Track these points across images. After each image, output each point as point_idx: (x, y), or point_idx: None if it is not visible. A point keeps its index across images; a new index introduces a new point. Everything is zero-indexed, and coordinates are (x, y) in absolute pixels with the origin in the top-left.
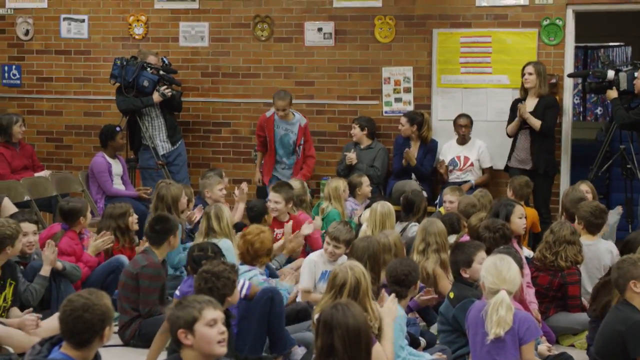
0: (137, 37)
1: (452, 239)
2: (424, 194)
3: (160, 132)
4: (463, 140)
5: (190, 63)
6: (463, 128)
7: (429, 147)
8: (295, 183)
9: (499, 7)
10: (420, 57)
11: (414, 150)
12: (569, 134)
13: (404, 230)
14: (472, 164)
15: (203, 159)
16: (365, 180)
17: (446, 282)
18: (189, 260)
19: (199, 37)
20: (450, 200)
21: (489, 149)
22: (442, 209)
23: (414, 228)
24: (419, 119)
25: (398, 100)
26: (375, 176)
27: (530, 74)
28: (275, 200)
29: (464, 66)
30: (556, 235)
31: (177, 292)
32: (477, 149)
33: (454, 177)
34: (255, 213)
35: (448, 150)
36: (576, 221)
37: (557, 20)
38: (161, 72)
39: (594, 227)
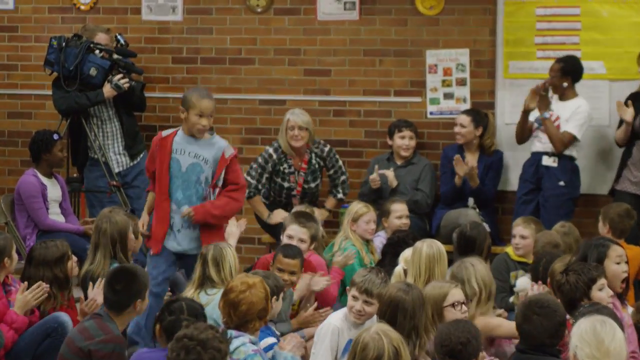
0: (82, 7)
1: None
2: (486, 227)
3: (114, 141)
4: (562, 93)
5: (158, 44)
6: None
7: (493, 161)
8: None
9: None
10: (479, 35)
11: (472, 164)
12: None
13: None
14: (558, 126)
15: None
16: (398, 208)
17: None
18: (157, 328)
19: (169, 8)
20: (522, 235)
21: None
22: (509, 249)
23: None
24: (485, 120)
25: (449, 96)
26: (424, 203)
27: None
28: (300, 238)
29: (542, 49)
30: None
31: None
32: (575, 107)
33: (537, 143)
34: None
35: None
36: None
37: None
38: (115, 56)
39: None
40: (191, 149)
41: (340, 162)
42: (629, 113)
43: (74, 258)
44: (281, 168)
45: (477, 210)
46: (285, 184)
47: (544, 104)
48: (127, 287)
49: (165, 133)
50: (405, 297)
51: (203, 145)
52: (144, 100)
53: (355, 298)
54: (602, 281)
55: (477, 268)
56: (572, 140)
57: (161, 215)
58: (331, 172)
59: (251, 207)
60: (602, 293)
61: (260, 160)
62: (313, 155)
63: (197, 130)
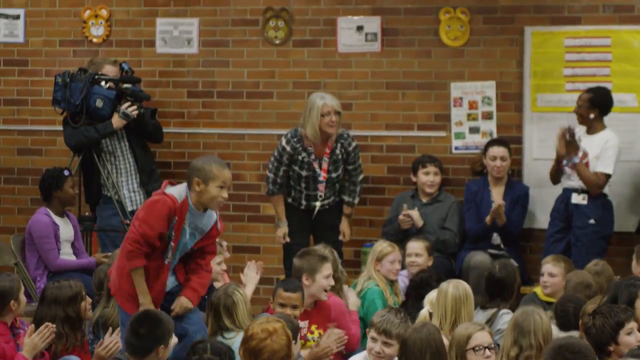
0: (95, 40)
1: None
2: (514, 264)
3: (129, 178)
4: (589, 125)
5: (172, 78)
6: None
7: (519, 196)
8: (325, 252)
9: None
10: (506, 67)
11: (498, 201)
12: None
13: (489, 321)
14: (587, 163)
15: None
16: (410, 246)
17: None
18: None
19: (184, 40)
20: (550, 272)
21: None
22: (538, 288)
23: (505, 318)
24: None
25: (474, 130)
26: (452, 243)
27: None
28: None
29: (571, 81)
30: None
31: None
32: (603, 142)
33: (567, 181)
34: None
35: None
36: None
37: None
38: (123, 86)
39: None
40: (192, 220)
41: (361, 161)
42: None
43: (89, 300)
44: (299, 157)
45: (502, 246)
46: (304, 173)
47: (573, 149)
48: (151, 332)
49: (178, 196)
50: (412, 335)
51: (202, 216)
52: (159, 128)
53: (374, 339)
54: (630, 325)
55: (544, 321)
56: (607, 179)
57: (159, 289)
58: (350, 167)
59: (271, 204)
60: (630, 337)
61: (275, 154)
62: (339, 145)
63: (217, 203)
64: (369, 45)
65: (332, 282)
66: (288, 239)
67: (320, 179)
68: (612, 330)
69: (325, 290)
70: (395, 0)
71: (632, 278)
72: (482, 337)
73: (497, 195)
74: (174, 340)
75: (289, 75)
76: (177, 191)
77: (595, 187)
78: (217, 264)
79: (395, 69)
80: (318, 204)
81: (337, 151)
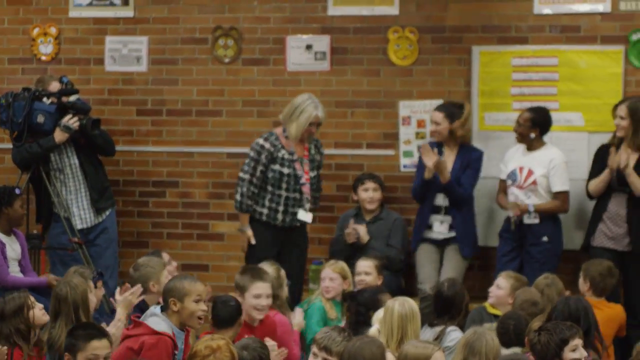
0: (43, 57)
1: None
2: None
3: (78, 196)
4: (529, 144)
5: (121, 95)
6: (517, 125)
7: (471, 160)
8: (270, 269)
9: (568, 15)
10: (454, 86)
11: (448, 160)
12: None
13: (437, 338)
14: (535, 182)
15: (138, 234)
16: (359, 264)
17: None
18: None
19: (133, 59)
20: (498, 285)
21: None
22: (487, 303)
23: (452, 335)
24: (460, 112)
25: None
26: (397, 260)
27: (622, 117)
28: (267, 294)
29: (518, 100)
30: None
31: None
32: (548, 161)
33: (511, 198)
34: (226, 315)
35: (510, 158)
36: None
37: None
38: (65, 100)
39: None
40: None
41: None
42: (616, 161)
43: (39, 305)
44: (279, 155)
45: (447, 207)
46: (285, 170)
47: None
48: None
49: (167, 328)
50: (350, 346)
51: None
52: (108, 140)
53: (315, 355)
54: (575, 342)
55: (495, 342)
56: (567, 196)
57: None
58: (317, 172)
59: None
60: (574, 354)
61: (252, 154)
62: (312, 147)
63: (196, 319)
64: (319, 64)
65: (265, 302)
66: (253, 241)
67: (303, 180)
68: (556, 347)
69: (257, 309)
70: (345, 19)
71: (577, 297)
72: (440, 357)
73: (450, 157)
74: None
75: (238, 93)
76: (161, 325)
77: (560, 209)
78: (165, 279)
79: (344, 87)
80: (302, 212)
81: (312, 151)
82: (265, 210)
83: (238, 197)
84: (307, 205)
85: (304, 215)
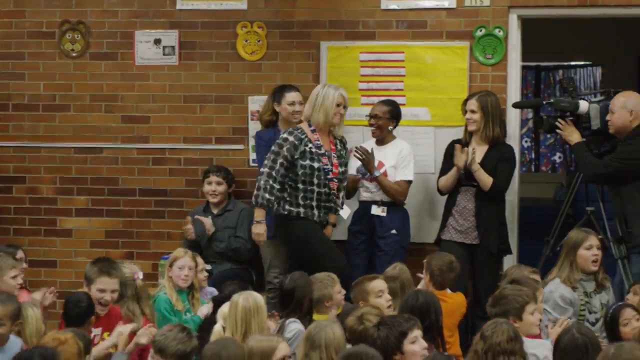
0: None
1: None
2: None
3: None
4: (385, 138)
5: None
6: (376, 119)
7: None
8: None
9: (414, 10)
10: (303, 81)
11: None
12: (516, 192)
13: (279, 330)
14: (385, 173)
15: None
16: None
17: None
18: None
19: None
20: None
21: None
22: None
23: (291, 326)
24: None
25: None
26: (244, 250)
27: (473, 111)
28: (112, 289)
29: (366, 94)
30: (488, 342)
31: None
32: (398, 152)
33: (365, 193)
34: (76, 315)
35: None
36: None
37: (497, 30)
38: None
39: None
40: None
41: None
42: (462, 159)
43: None
44: (306, 148)
45: None
46: (315, 164)
47: (371, 165)
48: None
49: None
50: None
51: None
52: None
53: (152, 358)
54: (414, 334)
55: (336, 335)
56: (409, 186)
57: None
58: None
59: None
60: (414, 346)
61: (274, 148)
62: (338, 142)
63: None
64: (167, 59)
65: (108, 297)
66: (264, 238)
67: (331, 175)
68: (396, 340)
69: (100, 303)
70: (193, 14)
71: (418, 291)
72: (285, 349)
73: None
74: None
75: (86, 88)
76: None
77: (399, 196)
78: (12, 278)
79: (193, 82)
80: (343, 211)
81: (338, 146)
82: (301, 210)
83: (255, 190)
84: (338, 202)
85: (344, 213)
